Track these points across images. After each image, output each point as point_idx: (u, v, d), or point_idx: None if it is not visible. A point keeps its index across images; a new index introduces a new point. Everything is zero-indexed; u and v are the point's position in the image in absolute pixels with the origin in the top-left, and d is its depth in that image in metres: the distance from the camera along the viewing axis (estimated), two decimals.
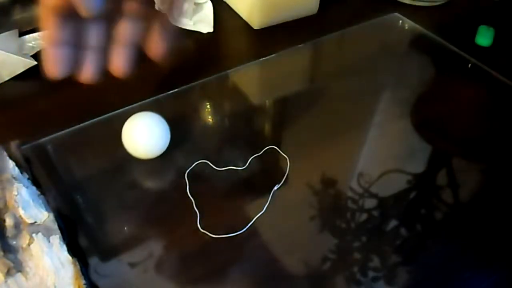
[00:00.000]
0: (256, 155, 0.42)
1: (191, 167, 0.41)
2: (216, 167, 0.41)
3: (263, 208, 0.37)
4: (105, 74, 0.27)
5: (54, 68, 0.25)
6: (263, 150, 0.42)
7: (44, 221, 0.34)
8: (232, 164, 0.41)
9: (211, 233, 0.36)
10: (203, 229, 0.36)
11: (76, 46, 0.25)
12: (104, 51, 0.26)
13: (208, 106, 0.49)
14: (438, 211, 0.39)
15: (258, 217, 0.37)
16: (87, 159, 0.42)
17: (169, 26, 0.27)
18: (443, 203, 0.40)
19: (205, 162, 0.41)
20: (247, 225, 0.36)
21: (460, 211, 0.39)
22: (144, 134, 0.39)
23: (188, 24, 0.57)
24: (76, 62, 0.26)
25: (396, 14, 0.61)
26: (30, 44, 0.50)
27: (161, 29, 0.26)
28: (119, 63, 0.26)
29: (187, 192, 0.39)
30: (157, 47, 0.27)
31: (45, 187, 0.38)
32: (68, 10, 0.23)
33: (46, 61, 0.25)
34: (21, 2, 0.53)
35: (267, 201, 0.38)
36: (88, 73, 0.26)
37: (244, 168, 0.41)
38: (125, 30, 0.26)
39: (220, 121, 0.48)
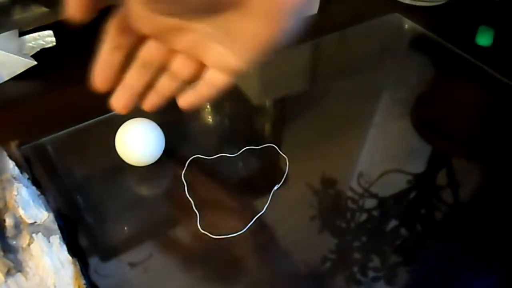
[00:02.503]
0: (254, 147, 0.42)
1: (186, 167, 0.41)
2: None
3: (263, 208, 0.37)
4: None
5: (98, 81, 0.28)
6: (262, 146, 0.42)
7: (44, 221, 0.34)
8: (232, 164, 0.41)
9: (211, 233, 0.36)
10: (203, 230, 0.36)
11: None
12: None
13: (208, 106, 0.49)
14: (438, 211, 0.39)
15: (258, 217, 0.37)
16: (87, 159, 0.42)
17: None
18: (443, 203, 0.40)
19: (199, 157, 0.41)
20: (247, 225, 0.36)
21: (460, 211, 0.39)
22: (137, 143, 0.38)
23: None
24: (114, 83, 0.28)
25: (396, 14, 0.61)
26: (30, 44, 0.50)
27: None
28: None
29: (186, 193, 0.39)
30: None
31: (45, 187, 0.38)
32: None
33: (94, 73, 0.27)
34: (21, 2, 0.53)
35: (267, 201, 0.38)
36: (119, 102, 0.29)
37: (236, 156, 0.41)
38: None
39: (220, 121, 0.48)
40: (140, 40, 0.27)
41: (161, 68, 0.28)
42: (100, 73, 0.28)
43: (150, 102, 0.30)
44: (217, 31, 0.24)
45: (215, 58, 0.26)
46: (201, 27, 0.24)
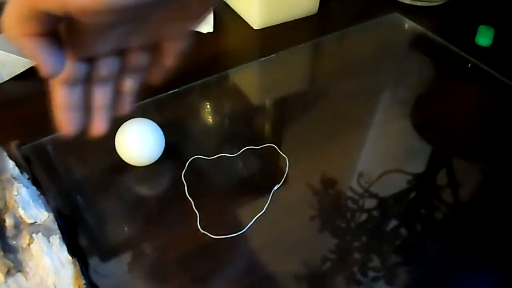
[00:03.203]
0: (254, 147, 0.42)
1: (186, 167, 0.41)
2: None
3: (263, 208, 0.37)
4: None
5: (68, 128, 0.27)
6: (262, 146, 0.42)
7: (44, 221, 0.34)
8: (232, 164, 0.41)
9: (211, 233, 0.36)
10: (203, 230, 0.36)
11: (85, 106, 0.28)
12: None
13: (208, 106, 0.49)
14: (438, 211, 0.39)
15: (258, 217, 0.37)
16: (87, 160, 0.42)
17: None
18: (443, 203, 0.40)
19: (199, 157, 0.41)
20: (247, 225, 0.36)
21: (460, 211, 0.39)
22: (137, 143, 0.38)
23: None
24: (86, 119, 0.28)
25: (396, 14, 0.61)
26: None
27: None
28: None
29: (186, 193, 0.39)
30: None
31: (45, 187, 0.38)
32: (74, 79, 0.26)
33: (60, 123, 0.27)
34: None
35: (267, 201, 0.38)
36: (99, 127, 0.29)
37: (236, 156, 0.41)
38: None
39: (220, 121, 0.48)
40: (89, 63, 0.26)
41: (121, 73, 0.27)
42: (69, 119, 0.27)
43: (125, 107, 0.30)
44: (170, 12, 0.24)
45: (172, 34, 0.26)
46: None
